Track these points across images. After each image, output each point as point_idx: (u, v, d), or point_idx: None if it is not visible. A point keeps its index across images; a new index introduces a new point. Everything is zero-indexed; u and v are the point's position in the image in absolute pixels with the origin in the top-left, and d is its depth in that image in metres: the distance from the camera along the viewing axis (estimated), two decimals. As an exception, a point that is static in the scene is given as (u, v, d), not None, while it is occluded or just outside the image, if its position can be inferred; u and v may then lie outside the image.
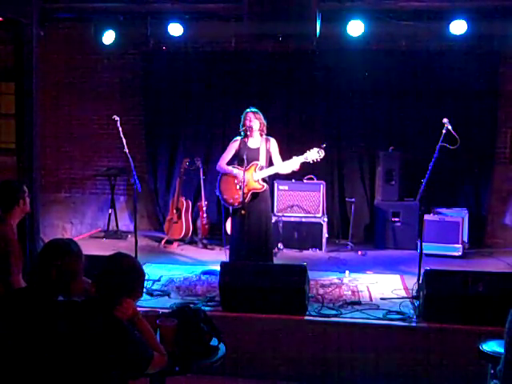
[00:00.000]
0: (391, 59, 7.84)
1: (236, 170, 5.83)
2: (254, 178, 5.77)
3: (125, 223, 8.65)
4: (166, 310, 3.62)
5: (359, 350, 4.60)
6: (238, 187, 5.80)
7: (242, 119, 5.85)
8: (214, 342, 3.10)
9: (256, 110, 5.84)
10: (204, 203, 7.73)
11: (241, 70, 8.17)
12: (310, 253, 7.40)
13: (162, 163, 8.59)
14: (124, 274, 2.73)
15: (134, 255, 5.39)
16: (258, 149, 5.86)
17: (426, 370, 4.53)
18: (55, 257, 2.54)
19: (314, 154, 5.67)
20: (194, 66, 8.26)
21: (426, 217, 6.99)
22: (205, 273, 6.13)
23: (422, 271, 4.91)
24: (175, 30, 6.86)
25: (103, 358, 2.41)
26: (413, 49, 7.62)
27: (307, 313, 4.80)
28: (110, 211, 8.35)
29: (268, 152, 5.87)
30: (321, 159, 5.72)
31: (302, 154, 5.74)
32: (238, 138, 5.95)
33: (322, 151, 5.67)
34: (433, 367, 4.52)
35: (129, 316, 2.70)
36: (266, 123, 5.89)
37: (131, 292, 2.76)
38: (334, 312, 4.85)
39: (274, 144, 5.90)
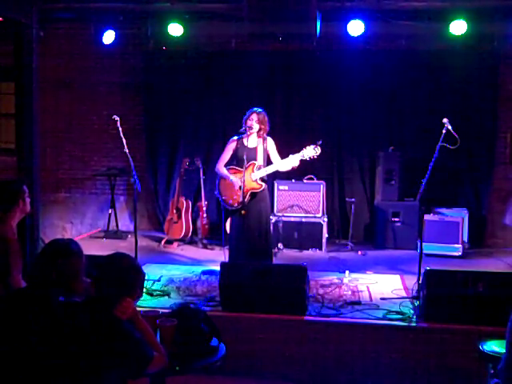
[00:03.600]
0: (391, 59, 7.84)
1: (232, 177, 5.82)
2: (252, 177, 5.77)
3: (125, 223, 8.66)
4: (166, 310, 3.62)
5: (359, 350, 4.60)
6: (237, 187, 5.79)
7: (246, 117, 5.83)
8: (214, 341, 3.10)
9: (261, 110, 5.82)
10: (204, 203, 7.73)
11: (241, 70, 8.18)
12: (310, 253, 7.40)
13: (162, 163, 8.60)
14: (123, 274, 2.73)
15: (134, 255, 5.42)
16: (255, 148, 5.86)
17: (426, 369, 4.53)
18: (55, 257, 2.54)
19: (311, 151, 5.68)
20: (194, 66, 8.26)
21: (426, 217, 6.99)
22: (205, 273, 6.13)
23: (422, 271, 4.90)
24: (175, 29, 6.86)
25: (103, 357, 2.41)
26: (413, 49, 7.62)
27: (307, 313, 4.80)
28: (110, 211, 8.35)
29: (265, 151, 5.87)
30: (317, 156, 5.72)
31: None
32: (235, 138, 5.95)
33: (318, 148, 5.68)
34: (433, 367, 4.52)
35: (128, 315, 2.70)
36: (268, 126, 5.86)
37: (130, 291, 2.76)
38: (334, 312, 4.85)
39: (271, 143, 5.90)
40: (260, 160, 5.83)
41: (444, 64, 7.72)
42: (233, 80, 8.21)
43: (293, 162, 5.72)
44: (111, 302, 2.65)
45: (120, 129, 5.69)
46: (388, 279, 6.02)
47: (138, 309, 2.81)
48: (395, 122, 8.08)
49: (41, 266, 2.55)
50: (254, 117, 5.79)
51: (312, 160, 5.76)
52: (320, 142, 5.70)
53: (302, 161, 5.75)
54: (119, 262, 2.77)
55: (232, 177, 5.81)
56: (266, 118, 5.84)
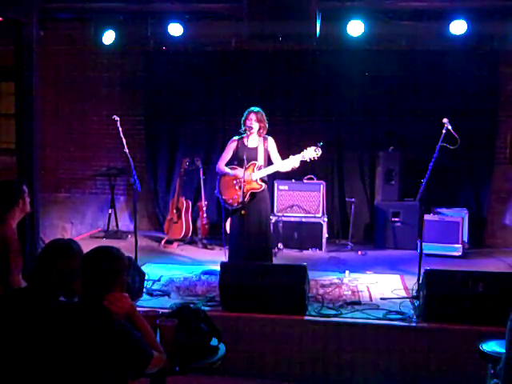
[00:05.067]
0: (391, 59, 7.84)
1: (232, 171, 5.84)
2: (252, 177, 5.77)
3: (125, 223, 8.65)
4: (166, 310, 3.62)
5: (359, 349, 4.60)
6: (237, 187, 5.80)
7: (244, 117, 5.84)
8: (214, 342, 3.10)
9: (259, 109, 5.84)
10: (204, 203, 7.73)
11: (241, 70, 8.18)
12: (309, 253, 7.40)
13: (162, 163, 8.60)
14: (101, 268, 2.62)
15: (133, 255, 5.42)
16: (256, 148, 5.87)
17: (426, 369, 4.53)
18: (56, 257, 2.54)
19: (311, 153, 5.69)
20: (194, 66, 8.26)
21: (426, 217, 6.99)
22: (205, 273, 6.13)
23: (422, 271, 4.90)
24: (175, 29, 6.85)
25: (103, 357, 2.41)
26: (413, 49, 7.62)
27: (307, 313, 4.79)
28: (110, 211, 8.35)
29: (266, 151, 5.87)
30: (318, 157, 5.73)
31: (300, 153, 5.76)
32: (236, 138, 5.96)
33: (319, 149, 5.69)
34: (433, 367, 4.52)
35: (126, 311, 2.67)
36: (267, 124, 5.88)
37: (114, 283, 2.66)
38: (333, 312, 4.85)
39: (271, 143, 5.91)
40: (261, 160, 5.83)
41: (444, 64, 7.73)
42: (233, 80, 8.21)
43: (293, 162, 5.72)
44: (100, 298, 2.60)
45: (120, 129, 5.70)
46: (388, 279, 6.02)
47: (138, 309, 2.80)
48: (395, 122, 8.08)
49: (41, 266, 2.55)
50: (253, 116, 5.80)
51: (312, 161, 5.76)
52: (321, 144, 5.71)
53: (302, 161, 5.76)
54: (96, 256, 2.67)
55: (232, 171, 5.82)
56: (264, 116, 5.86)
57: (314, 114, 8.18)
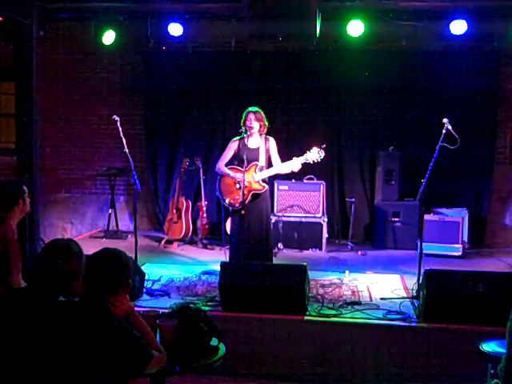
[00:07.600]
0: (391, 59, 7.84)
1: (232, 173, 5.84)
2: (254, 178, 5.78)
3: (125, 223, 8.65)
4: (166, 310, 3.62)
5: (359, 349, 4.60)
6: (237, 187, 5.80)
7: (243, 118, 5.85)
8: (214, 341, 3.10)
9: (257, 109, 5.85)
10: (204, 203, 7.73)
11: (241, 70, 8.18)
12: (309, 253, 7.40)
13: (161, 163, 8.60)
14: (109, 271, 2.69)
15: (133, 255, 5.42)
16: (257, 149, 5.87)
17: (426, 369, 4.53)
18: (56, 257, 2.54)
19: (315, 155, 5.68)
20: (194, 66, 8.26)
21: (426, 217, 6.98)
22: (205, 273, 6.13)
23: (422, 271, 4.91)
24: (175, 29, 6.85)
25: (103, 357, 2.41)
26: (413, 49, 7.61)
27: (307, 313, 4.80)
28: (110, 211, 8.35)
29: (267, 152, 5.88)
30: (321, 159, 5.72)
31: (302, 154, 5.75)
32: (237, 138, 5.96)
33: (322, 151, 5.68)
34: (433, 367, 4.51)
35: (125, 312, 2.69)
36: (267, 123, 5.89)
37: (120, 287, 2.73)
38: (333, 312, 4.85)
39: (273, 143, 5.91)
40: (262, 161, 5.84)
41: (444, 64, 7.73)
42: (232, 80, 8.21)
43: (294, 165, 5.72)
44: (102, 300, 2.63)
45: (120, 129, 5.70)
46: (388, 279, 6.02)
47: (138, 309, 2.81)
48: (395, 122, 8.08)
49: (41, 266, 2.55)
50: (252, 116, 5.81)
51: (315, 163, 5.76)
52: (324, 146, 5.70)
53: (303, 163, 5.75)
54: (104, 259, 2.74)
55: (232, 173, 5.83)
56: (263, 115, 5.87)
57: (314, 114, 8.18)
